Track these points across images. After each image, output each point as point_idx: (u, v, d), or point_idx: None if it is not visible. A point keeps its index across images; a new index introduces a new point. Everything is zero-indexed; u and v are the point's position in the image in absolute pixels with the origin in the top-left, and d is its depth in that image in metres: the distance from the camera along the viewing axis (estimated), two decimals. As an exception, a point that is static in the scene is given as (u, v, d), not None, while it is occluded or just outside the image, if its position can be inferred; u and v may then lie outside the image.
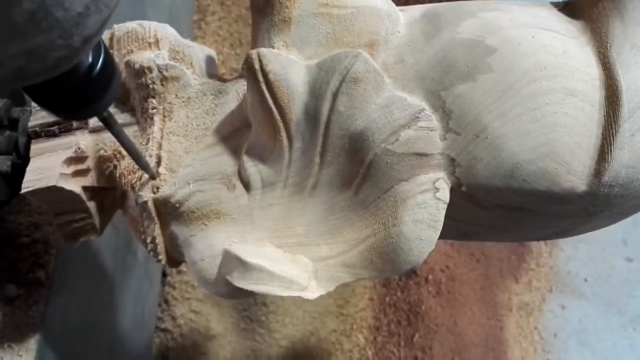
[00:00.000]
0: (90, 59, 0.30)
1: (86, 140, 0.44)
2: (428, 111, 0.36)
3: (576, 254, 1.13)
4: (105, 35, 0.44)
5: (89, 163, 0.44)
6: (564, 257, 1.13)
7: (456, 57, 0.35)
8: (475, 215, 0.39)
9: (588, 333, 1.08)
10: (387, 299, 1.02)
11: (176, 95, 0.42)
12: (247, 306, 0.96)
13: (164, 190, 0.40)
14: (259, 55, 0.36)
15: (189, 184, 0.40)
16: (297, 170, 0.38)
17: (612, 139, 0.34)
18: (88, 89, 0.31)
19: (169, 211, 0.41)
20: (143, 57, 0.41)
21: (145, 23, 0.43)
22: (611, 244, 1.15)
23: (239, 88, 0.43)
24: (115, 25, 0.44)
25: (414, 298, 1.03)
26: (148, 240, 0.42)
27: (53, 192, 0.43)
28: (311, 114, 0.37)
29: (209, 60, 0.45)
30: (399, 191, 0.36)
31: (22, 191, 0.43)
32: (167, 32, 0.43)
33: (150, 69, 0.41)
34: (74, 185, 0.43)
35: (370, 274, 0.38)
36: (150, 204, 0.41)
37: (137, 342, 0.86)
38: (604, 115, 0.34)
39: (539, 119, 0.34)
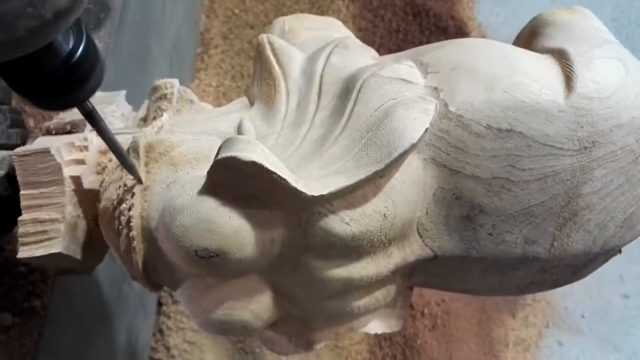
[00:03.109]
0: (70, 45, 0.29)
1: (93, 138, 0.47)
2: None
3: (573, 289, 1.13)
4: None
5: (88, 157, 0.46)
6: (561, 293, 1.13)
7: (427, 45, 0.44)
8: (470, 150, 0.38)
9: (585, 370, 1.07)
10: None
11: (186, 109, 0.47)
12: (242, 338, 0.96)
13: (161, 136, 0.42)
14: (267, 35, 0.45)
15: (185, 134, 0.43)
16: (291, 121, 0.41)
17: (571, 64, 0.39)
18: (67, 76, 0.29)
19: (158, 157, 0.41)
20: (167, 80, 0.47)
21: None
22: (608, 280, 1.14)
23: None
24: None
25: (410, 332, 1.02)
26: (127, 186, 0.41)
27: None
28: (307, 72, 0.43)
29: None
30: (389, 105, 0.38)
31: (14, 151, 0.44)
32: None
33: (172, 85, 0.46)
34: (66, 170, 0.44)
35: (368, 171, 0.35)
36: (143, 144, 0.41)
37: (130, 372, 0.86)
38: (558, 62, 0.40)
39: (504, 54, 0.41)
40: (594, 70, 0.39)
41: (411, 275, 0.43)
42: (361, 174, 0.36)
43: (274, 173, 0.34)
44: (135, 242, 0.40)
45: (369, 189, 0.37)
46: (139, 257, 0.41)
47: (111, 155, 0.45)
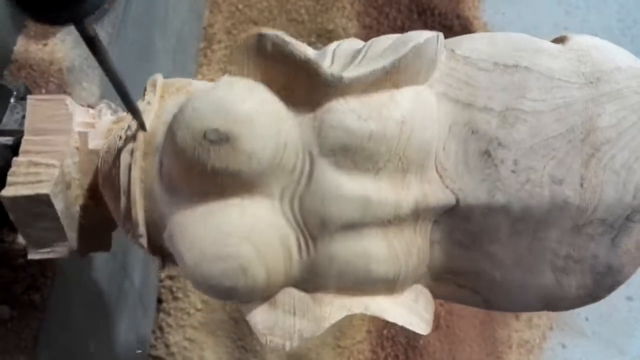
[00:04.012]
0: None
1: (108, 112, 0.47)
2: None
3: (577, 291, 1.12)
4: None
5: (99, 123, 0.46)
6: (565, 295, 1.12)
7: None
8: (480, 84, 0.40)
9: (589, 373, 1.06)
10: (385, 332, 1.00)
11: None
12: (242, 336, 0.94)
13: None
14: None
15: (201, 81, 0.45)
16: None
17: (564, 35, 0.43)
18: None
19: (174, 91, 0.42)
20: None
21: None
22: (612, 283, 1.13)
23: None
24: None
25: (412, 332, 1.01)
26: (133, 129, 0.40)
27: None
28: (319, 53, 0.42)
29: None
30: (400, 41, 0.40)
31: (30, 96, 0.44)
32: None
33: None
34: (74, 125, 0.44)
35: (385, 62, 0.37)
36: (160, 83, 0.42)
37: (129, 369, 0.85)
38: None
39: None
40: (586, 35, 0.43)
41: (432, 244, 0.40)
42: (379, 64, 0.37)
43: (291, 45, 0.35)
44: (137, 155, 0.39)
45: (385, 96, 0.38)
46: (136, 173, 0.39)
47: (123, 124, 0.43)
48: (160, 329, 0.94)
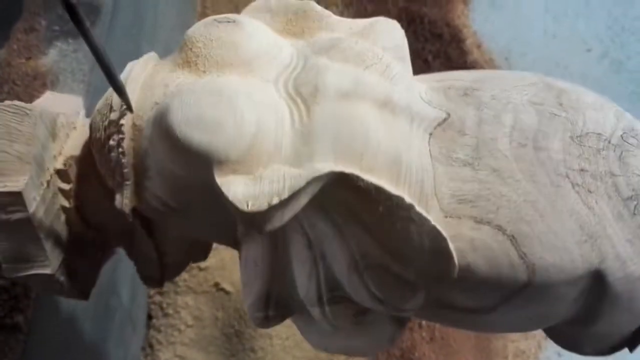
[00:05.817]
0: None
1: None
2: None
3: (571, 299, 1.12)
4: None
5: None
6: (559, 303, 1.11)
7: None
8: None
9: (585, 383, 1.05)
10: (379, 344, 0.99)
11: None
12: (235, 352, 0.93)
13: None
14: None
15: None
16: None
17: None
18: None
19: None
20: None
21: None
22: (606, 290, 1.13)
23: None
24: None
25: (407, 344, 1.00)
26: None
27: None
28: None
29: None
30: None
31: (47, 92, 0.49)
32: None
33: None
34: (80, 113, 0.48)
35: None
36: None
37: (118, 389, 0.82)
38: None
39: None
40: None
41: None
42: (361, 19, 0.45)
43: None
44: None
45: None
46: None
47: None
48: (150, 346, 0.92)
